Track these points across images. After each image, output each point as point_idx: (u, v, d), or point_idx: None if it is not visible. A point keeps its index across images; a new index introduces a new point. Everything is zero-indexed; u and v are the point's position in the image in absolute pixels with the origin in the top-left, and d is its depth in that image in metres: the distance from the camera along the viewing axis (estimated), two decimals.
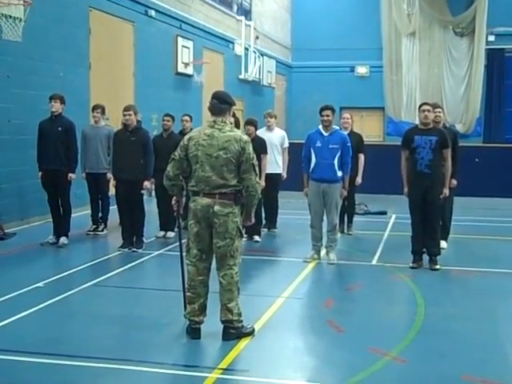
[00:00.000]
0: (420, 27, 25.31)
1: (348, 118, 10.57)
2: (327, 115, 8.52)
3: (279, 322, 6.14)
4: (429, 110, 8.27)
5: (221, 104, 5.62)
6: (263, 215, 10.72)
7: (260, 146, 9.65)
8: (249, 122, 10.05)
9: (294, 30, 27.16)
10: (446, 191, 8.34)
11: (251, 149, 5.55)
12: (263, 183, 9.57)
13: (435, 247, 8.38)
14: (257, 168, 5.59)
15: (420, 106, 8.44)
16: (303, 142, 8.85)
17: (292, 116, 26.59)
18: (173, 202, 5.86)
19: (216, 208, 5.44)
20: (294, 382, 4.78)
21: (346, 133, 9.67)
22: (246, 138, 5.61)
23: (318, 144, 8.55)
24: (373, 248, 9.63)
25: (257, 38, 22.21)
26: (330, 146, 8.51)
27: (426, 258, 8.42)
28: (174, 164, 5.60)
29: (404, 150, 8.44)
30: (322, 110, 8.60)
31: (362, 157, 10.54)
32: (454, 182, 9.01)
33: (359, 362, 5.07)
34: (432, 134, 8.21)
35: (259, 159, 9.16)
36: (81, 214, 11.28)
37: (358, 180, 10.45)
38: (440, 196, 8.27)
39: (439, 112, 8.97)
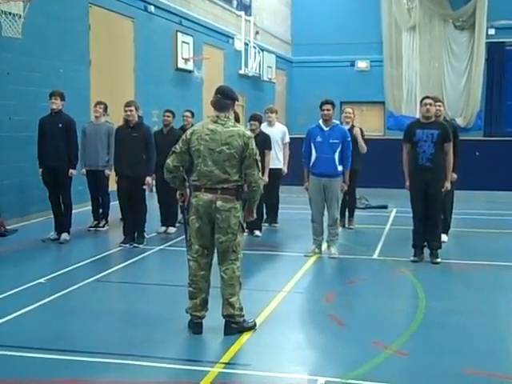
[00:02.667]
0: (420, 21, 25.24)
1: (350, 113, 10.56)
2: (327, 110, 8.53)
3: (281, 316, 6.15)
4: (430, 104, 8.26)
5: (225, 99, 5.62)
6: (264, 210, 10.73)
7: (264, 142, 9.66)
8: (253, 118, 10.04)
9: (294, 25, 27.10)
10: (448, 185, 8.34)
11: (254, 144, 5.56)
12: (266, 179, 9.59)
13: (436, 241, 8.39)
14: (259, 163, 5.61)
15: (422, 100, 8.43)
16: (304, 136, 8.86)
17: (292, 111, 26.55)
18: (178, 196, 5.85)
19: (218, 203, 5.45)
20: (295, 375, 4.79)
21: (347, 127, 9.70)
22: (249, 133, 5.62)
23: (319, 139, 8.56)
24: (374, 242, 9.65)
25: (257, 33, 22.18)
26: (331, 141, 8.51)
27: (426, 251, 8.43)
28: (174, 157, 5.60)
29: (406, 144, 8.44)
30: (322, 104, 8.60)
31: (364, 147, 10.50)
32: (454, 175, 9.00)
33: (361, 355, 5.08)
34: (433, 127, 8.21)
35: (263, 155, 9.18)
36: (82, 210, 11.29)
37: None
38: (441, 190, 8.28)
39: (439, 106, 8.97)
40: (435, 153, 8.16)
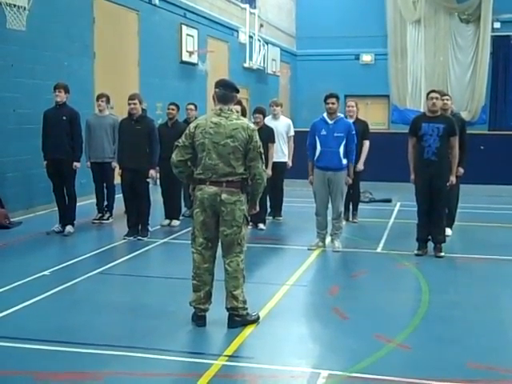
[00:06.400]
0: (425, 14, 25.14)
1: (352, 106, 10.55)
2: (332, 103, 8.51)
3: (284, 309, 6.16)
4: (437, 98, 8.24)
5: (231, 92, 5.62)
6: (268, 203, 10.73)
7: (268, 135, 9.66)
8: (257, 111, 10.05)
9: (299, 18, 27.06)
10: (453, 179, 8.33)
11: (258, 137, 5.57)
12: (270, 172, 9.58)
13: (440, 234, 8.38)
14: (263, 156, 5.61)
15: (428, 94, 8.40)
16: (308, 130, 8.85)
17: (297, 104, 26.55)
18: (190, 190, 5.85)
19: (223, 196, 5.45)
20: (298, 368, 4.79)
21: (351, 121, 9.67)
22: (252, 126, 5.62)
23: (323, 132, 8.54)
24: (378, 235, 9.65)
25: (261, 26, 22.14)
26: (335, 134, 8.50)
27: (430, 245, 8.43)
28: (177, 151, 5.60)
29: (411, 137, 8.43)
30: (326, 97, 8.58)
31: (366, 143, 10.50)
32: (461, 170, 8.99)
33: (364, 348, 5.09)
34: (439, 121, 8.19)
35: (266, 148, 9.17)
36: (86, 203, 11.31)
37: (359, 166, 10.36)
38: (447, 184, 8.26)
39: (447, 100, 8.95)
40: (441, 147, 8.14)
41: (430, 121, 8.22)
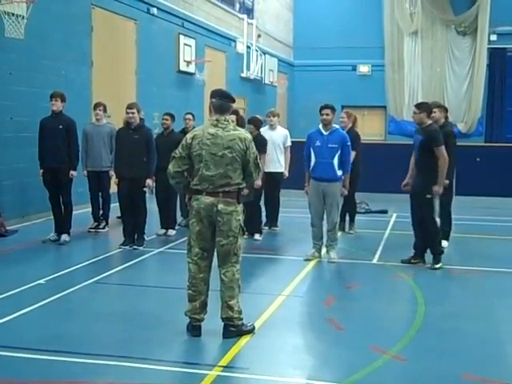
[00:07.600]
0: (422, 26, 25.29)
1: (343, 117, 10.55)
2: (327, 114, 8.53)
3: (279, 320, 6.15)
4: (415, 112, 8.33)
5: (227, 102, 5.64)
6: (264, 213, 10.73)
7: (260, 145, 9.61)
8: (250, 121, 10.01)
9: (296, 29, 27.14)
10: (438, 189, 8.20)
11: (254, 147, 5.60)
12: (260, 182, 9.54)
13: (433, 246, 8.34)
14: (260, 165, 5.68)
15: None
16: (305, 140, 8.86)
17: (294, 114, 26.57)
18: (186, 200, 5.85)
19: (220, 206, 5.47)
20: (293, 379, 4.79)
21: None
22: (249, 136, 5.67)
23: (318, 143, 8.56)
24: (373, 247, 9.65)
25: (259, 36, 22.20)
26: (330, 145, 8.51)
27: (427, 257, 8.42)
28: (174, 162, 5.61)
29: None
30: (321, 109, 8.61)
31: (352, 154, 10.39)
32: (445, 181, 8.92)
33: (359, 360, 5.08)
34: (421, 133, 8.27)
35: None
36: (82, 212, 11.29)
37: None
38: (426, 196, 8.19)
39: (434, 112, 8.89)
40: (419, 159, 8.25)
41: (417, 133, 8.39)
